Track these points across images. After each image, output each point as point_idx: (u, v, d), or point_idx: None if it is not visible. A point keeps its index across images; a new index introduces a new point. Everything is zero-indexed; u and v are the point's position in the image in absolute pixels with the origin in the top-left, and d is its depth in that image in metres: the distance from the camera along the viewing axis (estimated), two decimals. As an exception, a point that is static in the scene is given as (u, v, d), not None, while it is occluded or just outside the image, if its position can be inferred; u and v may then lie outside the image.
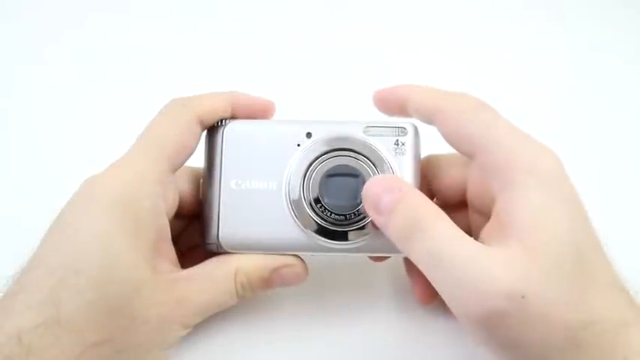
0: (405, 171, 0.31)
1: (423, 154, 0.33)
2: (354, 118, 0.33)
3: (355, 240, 0.31)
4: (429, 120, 0.31)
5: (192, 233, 0.36)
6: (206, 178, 0.33)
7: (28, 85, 0.47)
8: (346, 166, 0.31)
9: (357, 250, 0.31)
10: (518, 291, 0.24)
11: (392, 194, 0.28)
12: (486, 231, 0.28)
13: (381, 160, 0.31)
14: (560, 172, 0.27)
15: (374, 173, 0.31)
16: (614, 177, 0.43)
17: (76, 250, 0.27)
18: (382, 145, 0.32)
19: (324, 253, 0.32)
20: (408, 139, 0.32)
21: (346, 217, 0.31)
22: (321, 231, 0.31)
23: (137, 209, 0.28)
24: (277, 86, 0.37)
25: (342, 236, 0.31)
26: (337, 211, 0.31)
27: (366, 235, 0.31)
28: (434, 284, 0.27)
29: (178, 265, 0.32)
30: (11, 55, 0.49)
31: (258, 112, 0.34)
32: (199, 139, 0.32)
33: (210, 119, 0.32)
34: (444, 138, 0.31)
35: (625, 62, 0.48)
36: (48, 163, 0.43)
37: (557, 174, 0.27)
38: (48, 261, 0.27)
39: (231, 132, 0.32)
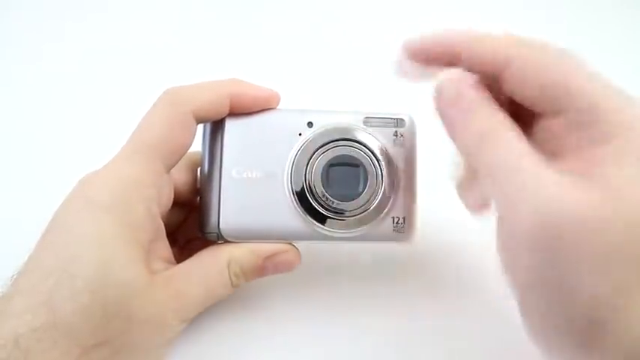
0: (404, 162, 0.32)
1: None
2: (352, 108, 0.33)
3: (356, 228, 0.32)
4: (492, 73, 0.26)
5: (191, 226, 0.35)
6: (205, 167, 0.32)
7: (26, 85, 0.46)
8: (348, 156, 0.32)
9: (359, 238, 0.32)
10: (578, 216, 0.21)
11: (478, 92, 0.26)
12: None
13: (381, 151, 0.32)
14: None
15: (374, 164, 0.32)
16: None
17: (71, 253, 0.26)
18: (382, 136, 0.32)
19: (325, 242, 0.32)
20: (406, 131, 0.33)
21: (348, 206, 0.31)
22: (323, 219, 0.31)
23: (131, 214, 0.28)
24: (276, 76, 0.36)
25: (344, 225, 0.31)
26: (339, 200, 0.31)
27: (367, 223, 0.32)
28: (493, 196, 0.25)
29: (173, 260, 0.31)
30: (8, 54, 0.48)
31: (261, 103, 0.32)
32: (195, 134, 0.31)
33: (207, 113, 0.31)
34: (513, 93, 0.26)
35: (626, 61, 0.48)
36: (47, 163, 0.42)
37: None
38: (43, 264, 0.27)
39: (232, 120, 0.32)
